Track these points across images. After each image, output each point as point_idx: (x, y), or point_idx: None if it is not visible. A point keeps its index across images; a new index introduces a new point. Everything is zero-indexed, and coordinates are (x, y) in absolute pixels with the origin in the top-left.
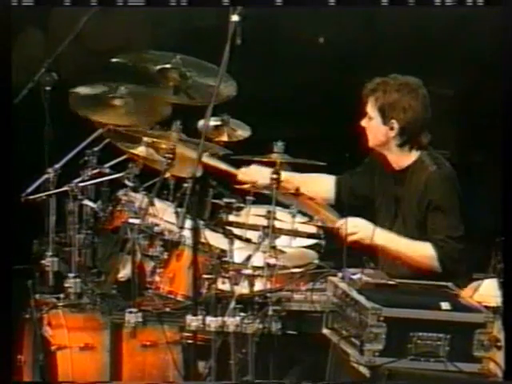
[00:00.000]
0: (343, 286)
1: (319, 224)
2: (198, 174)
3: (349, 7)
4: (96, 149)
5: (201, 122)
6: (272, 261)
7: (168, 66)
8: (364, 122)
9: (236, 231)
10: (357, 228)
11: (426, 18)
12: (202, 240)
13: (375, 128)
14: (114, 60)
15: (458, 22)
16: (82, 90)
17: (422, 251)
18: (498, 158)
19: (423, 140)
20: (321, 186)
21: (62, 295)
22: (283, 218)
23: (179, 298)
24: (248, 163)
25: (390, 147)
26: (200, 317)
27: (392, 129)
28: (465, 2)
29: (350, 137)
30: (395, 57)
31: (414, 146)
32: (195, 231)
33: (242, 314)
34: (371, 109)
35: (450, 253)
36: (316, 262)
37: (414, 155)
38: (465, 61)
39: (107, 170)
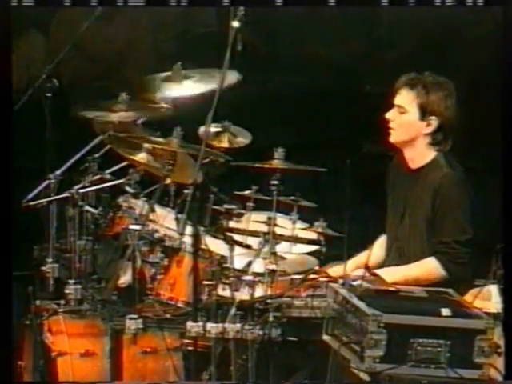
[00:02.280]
0: (343, 292)
1: (319, 230)
2: (199, 180)
3: (349, 7)
4: (97, 155)
5: (201, 129)
6: (272, 267)
7: (169, 73)
8: (391, 115)
9: (236, 237)
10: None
11: (425, 19)
12: (203, 246)
13: (408, 122)
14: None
15: (457, 23)
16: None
17: (426, 268)
18: (498, 163)
19: (449, 142)
20: None
21: (62, 301)
22: (284, 225)
23: (180, 304)
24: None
25: (417, 144)
26: (200, 323)
27: (429, 125)
28: (465, 2)
29: (351, 142)
30: (395, 59)
31: (442, 146)
32: (196, 237)
33: (243, 320)
34: (408, 103)
35: (456, 257)
36: (316, 268)
37: (430, 155)
38: (464, 63)
39: (108, 177)
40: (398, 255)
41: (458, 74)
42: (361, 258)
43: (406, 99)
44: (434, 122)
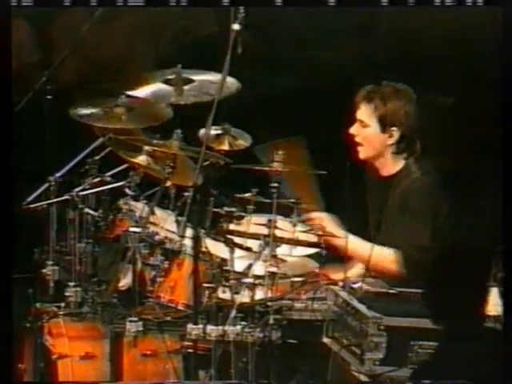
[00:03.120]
0: (344, 294)
1: (320, 233)
2: (199, 182)
3: (349, 7)
4: (97, 158)
5: (202, 131)
6: (273, 269)
7: (171, 76)
8: (354, 130)
9: (237, 240)
10: (328, 226)
11: (425, 19)
12: (203, 249)
13: (371, 136)
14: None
15: (457, 23)
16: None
17: (385, 257)
18: (498, 166)
19: (417, 147)
20: None
21: (62, 304)
22: (284, 227)
23: (180, 306)
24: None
25: (384, 155)
26: (201, 326)
27: (391, 136)
28: (465, 2)
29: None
30: (396, 61)
31: (408, 153)
32: (196, 240)
33: (243, 322)
34: (367, 117)
35: (408, 259)
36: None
37: (401, 163)
38: (464, 65)
39: (108, 179)
40: None
41: (456, 76)
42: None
43: (365, 113)
44: (395, 132)
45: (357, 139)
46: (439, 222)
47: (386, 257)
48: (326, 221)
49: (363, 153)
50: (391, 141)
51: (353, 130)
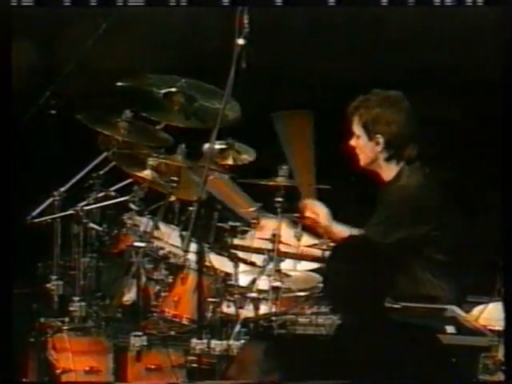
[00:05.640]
0: None
1: (324, 247)
2: (203, 197)
3: (349, 7)
4: (101, 172)
5: (206, 146)
6: (277, 284)
7: (174, 89)
8: (353, 142)
9: (241, 254)
10: (317, 215)
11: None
12: (207, 263)
13: (363, 145)
14: (118, 84)
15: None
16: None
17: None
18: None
19: (410, 153)
20: None
21: (66, 319)
22: (288, 242)
23: (184, 321)
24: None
25: (379, 162)
26: (205, 340)
27: (378, 143)
28: (465, 2)
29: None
30: (397, 66)
31: (400, 159)
32: (200, 255)
33: (247, 337)
34: (356, 127)
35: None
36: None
37: (396, 168)
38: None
39: (112, 194)
40: None
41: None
42: None
43: (355, 124)
44: (379, 139)
45: (357, 151)
46: (423, 229)
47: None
48: (318, 210)
49: (362, 161)
50: (379, 147)
51: (352, 142)
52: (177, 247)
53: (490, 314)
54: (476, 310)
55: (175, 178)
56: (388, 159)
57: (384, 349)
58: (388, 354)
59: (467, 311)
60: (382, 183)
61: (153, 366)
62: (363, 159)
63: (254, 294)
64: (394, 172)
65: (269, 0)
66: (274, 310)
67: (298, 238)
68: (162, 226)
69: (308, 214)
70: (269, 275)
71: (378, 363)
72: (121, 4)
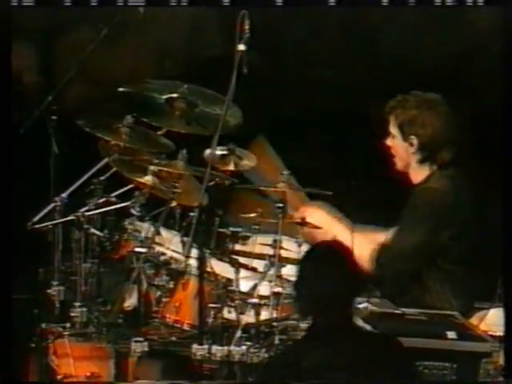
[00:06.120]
0: None
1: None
2: (204, 203)
3: (349, 7)
4: (102, 178)
5: (207, 152)
6: (278, 290)
7: (175, 95)
8: (389, 141)
9: (242, 260)
10: (321, 223)
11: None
12: (208, 269)
13: (397, 145)
14: (119, 90)
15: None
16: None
17: (365, 251)
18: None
19: (444, 156)
20: None
21: (67, 324)
22: (289, 247)
23: (185, 327)
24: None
25: (412, 164)
26: (206, 346)
27: (412, 145)
28: (465, 2)
29: (356, 165)
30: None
31: (433, 162)
32: (201, 260)
33: (248, 343)
34: (392, 127)
35: (382, 265)
36: None
37: (429, 171)
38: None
39: (113, 199)
40: None
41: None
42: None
43: (391, 124)
44: (414, 140)
45: (392, 151)
46: (443, 236)
47: (362, 254)
48: (320, 213)
49: (397, 163)
50: (412, 149)
51: (388, 141)
52: (178, 253)
53: (490, 320)
54: (477, 316)
55: (176, 184)
56: (421, 162)
57: (348, 354)
58: (352, 359)
59: (468, 317)
60: (411, 186)
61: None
62: (398, 161)
63: (255, 300)
64: (425, 175)
65: (269, 0)
66: (275, 315)
67: (300, 244)
68: (163, 231)
69: (305, 217)
70: (270, 281)
71: (341, 367)
72: (121, 4)
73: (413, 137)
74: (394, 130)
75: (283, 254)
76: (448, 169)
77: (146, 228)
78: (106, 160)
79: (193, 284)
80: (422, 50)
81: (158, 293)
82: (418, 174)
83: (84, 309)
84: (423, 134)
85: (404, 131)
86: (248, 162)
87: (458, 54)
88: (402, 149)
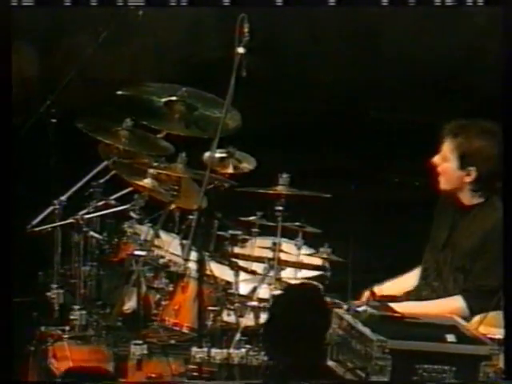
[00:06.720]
0: (348, 318)
1: (324, 256)
2: (204, 205)
3: (349, 7)
4: (101, 181)
5: (206, 154)
6: (277, 293)
7: (174, 98)
8: (436, 159)
9: (241, 263)
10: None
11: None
12: (208, 272)
13: (450, 171)
14: (118, 93)
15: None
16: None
17: (450, 306)
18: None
19: (496, 185)
20: None
21: (67, 327)
22: (288, 250)
23: (184, 330)
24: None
25: (463, 190)
26: (205, 349)
27: (469, 175)
28: (465, 2)
29: (356, 168)
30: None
31: (486, 192)
32: (200, 263)
33: (248, 346)
34: (449, 151)
35: (480, 300)
36: None
37: (481, 198)
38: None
39: (113, 202)
40: (425, 282)
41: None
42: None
43: (448, 147)
44: (473, 172)
45: (438, 170)
46: (483, 264)
47: (451, 308)
48: None
49: (443, 184)
50: (468, 179)
51: (435, 159)
52: (177, 256)
53: (490, 323)
54: (476, 319)
55: (175, 187)
56: (475, 190)
57: None
58: None
59: (468, 320)
60: (460, 205)
61: (153, 375)
62: (445, 183)
63: (254, 303)
64: (477, 200)
65: (269, 0)
66: None
67: (299, 247)
68: (162, 234)
69: None
70: (269, 284)
71: None
72: (121, 4)
73: (472, 168)
74: (450, 154)
75: (282, 256)
76: (497, 196)
77: (145, 231)
78: (105, 163)
79: (192, 287)
80: (422, 50)
81: (158, 296)
82: (470, 198)
83: (83, 312)
84: (484, 166)
85: (464, 161)
86: (247, 164)
87: (457, 55)
88: (454, 174)
